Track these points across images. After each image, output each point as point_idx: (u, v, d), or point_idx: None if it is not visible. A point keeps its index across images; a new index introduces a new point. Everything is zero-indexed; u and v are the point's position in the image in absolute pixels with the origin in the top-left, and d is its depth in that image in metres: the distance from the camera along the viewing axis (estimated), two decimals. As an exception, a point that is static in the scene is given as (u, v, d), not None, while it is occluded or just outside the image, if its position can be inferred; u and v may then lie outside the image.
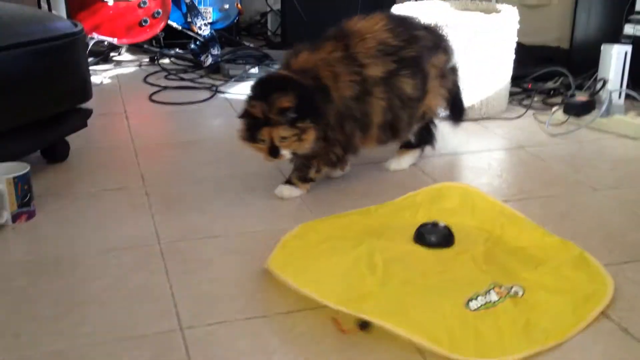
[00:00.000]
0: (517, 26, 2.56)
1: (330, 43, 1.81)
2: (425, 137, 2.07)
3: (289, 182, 1.87)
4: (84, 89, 2.08)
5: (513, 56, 2.58)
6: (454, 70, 2.08)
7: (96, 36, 3.23)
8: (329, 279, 1.39)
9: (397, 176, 2.02)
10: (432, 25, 2.05)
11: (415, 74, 1.87)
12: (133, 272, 1.49)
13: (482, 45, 2.46)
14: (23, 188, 1.70)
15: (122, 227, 1.70)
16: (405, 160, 2.07)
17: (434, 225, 1.57)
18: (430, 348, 1.19)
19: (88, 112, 2.13)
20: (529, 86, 2.80)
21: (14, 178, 1.68)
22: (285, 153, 1.72)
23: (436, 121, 2.08)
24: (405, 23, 1.95)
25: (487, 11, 2.60)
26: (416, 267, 1.46)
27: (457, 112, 2.16)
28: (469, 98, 2.51)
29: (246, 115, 1.71)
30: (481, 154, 2.23)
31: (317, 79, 1.75)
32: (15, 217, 1.70)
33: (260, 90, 1.74)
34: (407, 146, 2.06)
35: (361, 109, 1.81)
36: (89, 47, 3.26)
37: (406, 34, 1.88)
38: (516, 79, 2.72)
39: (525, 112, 2.59)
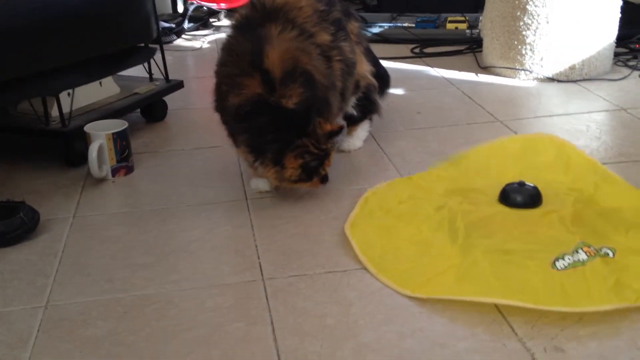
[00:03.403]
0: (624, -18, 2.42)
1: (273, 25, 1.56)
2: (369, 106, 1.92)
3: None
4: (147, 29, 2.06)
5: (619, 15, 2.45)
6: (364, 37, 1.95)
7: (196, 2, 3.31)
8: (403, 259, 1.35)
9: (483, 137, 1.97)
10: None
11: (347, 36, 1.74)
12: (221, 225, 1.55)
13: (585, 3, 2.35)
14: (122, 144, 1.79)
15: (212, 183, 1.76)
16: (358, 136, 1.94)
17: (521, 184, 1.52)
18: (513, 304, 1.17)
19: (152, 51, 2.13)
20: (637, 46, 2.65)
21: (114, 134, 1.77)
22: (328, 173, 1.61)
23: (375, 89, 1.93)
24: None
25: (592, -33, 2.47)
26: (500, 230, 1.42)
27: (382, 81, 2.01)
28: (569, 57, 2.41)
29: (306, 157, 1.52)
30: (580, 115, 2.14)
31: (301, 71, 1.52)
32: (114, 171, 1.79)
33: (294, 128, 1.51)
34: (353, 122, 1.92)
35: (331, 77, 1.64)
36: (189, 12, 3.35)
37: None
38: (622, 39, 2.58)
39: (630, 73, 2.46)
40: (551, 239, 1.37)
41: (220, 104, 1.61)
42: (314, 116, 1.51)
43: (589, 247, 1.31)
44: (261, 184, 1.69)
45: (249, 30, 1.58)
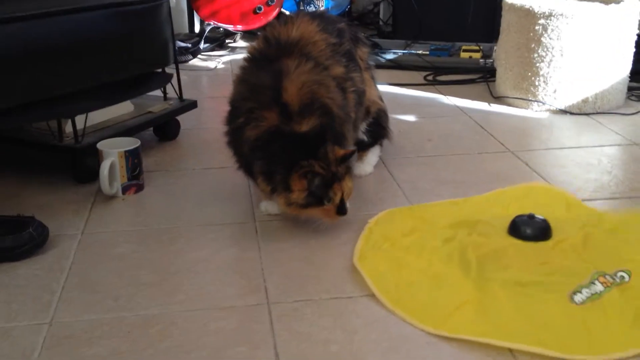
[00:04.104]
0: (639, 18, 2.42)
1: (289, 59, 1.57)
2: (379, 131, 1.94)
3: None
4: (165, 54, 2.08)
5: (633, 49, 2.45)
6: (371, 63, 1.96)
7: (213, 23, 3.35)
8: (418, 292, 1.34)
9: (493, 167, 1.97)
10: (338, 17, 1.91)
11: (357, 66, 1.77)
12: (228, 247, 1.55)
13: (599, 37, 2.35)
14: (134, 162, 1.80)
15: (221, 204, 1.76)
16: (369, 161, 1.94)
17: (530, 217, 1.52)
18: (540, 352, 1.15)
19: (168, 77, 2.15)
20: (651, 81, 2.65)
21: (126, 152, 1.78)
22: (348, 204, 1.54)
23: (385, 115, 1.96)
24: (327, 19, 1.78)
25: (606, 2, 2.48)
26: (513, 263, 1.41)
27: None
28: (583, 90, 2.41)
29: (309, 176, 1.47)
30: (592, 149, 2.13)
31: (319, 104, 1.54)
32: (125, 189, 1.80)
33: (303, 150, 1.49)
34: (364, 147, 1.92)
35: (346, 109, 1.65)
36: (205, 33, 3.39)
37: (335, 30, 1.74)
38: (637, 74, 2.57)
39: (644, 108, 2.45)
40: (566, 270, 1.37)
41: (235, 138, 1.62)
42: (326, 141, 1.50)
43: (604, 276, 1.31)
44: (270, 207, 1.69)
45: (265, 65, 1.60)
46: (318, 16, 1.77)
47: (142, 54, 2.00)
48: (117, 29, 1.90)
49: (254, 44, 1.68)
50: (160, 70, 2.11)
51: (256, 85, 1.57)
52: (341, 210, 1.52)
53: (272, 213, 1.69)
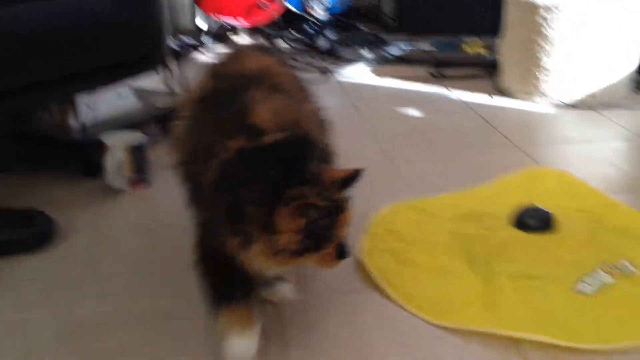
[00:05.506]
0: (646, 11, 2.42)
1: (257, 91, 1.17)
2: None
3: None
4: (157, 37, 2.05)
5: None
6: None
7: (222, 20, 3.35)
8: (426, 284, 1.35)
9: (499, 161, 1.97)
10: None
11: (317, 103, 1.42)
12: (235, 241, 1.55)
13: (606, 30, 2.35)
14: (140, 156, 1.80)
15: (228, 198, 1.76)
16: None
17: (535, 209, 1.52)
18: (548, 341, 1.16)
19: (161, 58, 2.12)
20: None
21: (133, 147, 1.78)
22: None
23: None
24: (272, 51, 1.55)
25: (613, -5, 2.47)
26: (519, 255, 1.42)
27: None
28: (589, 84, 2.41)
29: (305, 211, 1.01)
30: (598, 143, 2.13)
31: (300, 131, 1.13)
32: (132, 184, 1.81)
33: (284, 171, 1.04)
34: None
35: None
36: (209, 27, 3.39)
37: (286, 63, 1.46)
38: (643, 68, 2.57)
39: (650, 102, 2.45)
40: (572, 263, 1.37)
41: (195, 194, 1.22)
42: (310, 154, 1.07)
43: (607, 265, 1.31)
44: (241, 345, 1.12)
45: (223, 100, 1.19)
46: (263, 48, 1.56)
47: (133, 38, 1.97)
48: (109, 12, 1.89)
49: (200, 84, 1.28)
50: (152, 54, 2.11)
51: (213, 121, 1.17)
52: (343, 252, 1.09)
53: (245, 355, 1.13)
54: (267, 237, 1.01)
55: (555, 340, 1.16)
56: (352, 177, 1.06)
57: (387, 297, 1.32)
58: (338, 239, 1.07)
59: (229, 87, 1.22)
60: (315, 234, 1.03)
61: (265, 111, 1.12)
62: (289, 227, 1.01)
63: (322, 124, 1.29)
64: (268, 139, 1.07)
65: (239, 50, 1.42)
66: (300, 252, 1.03)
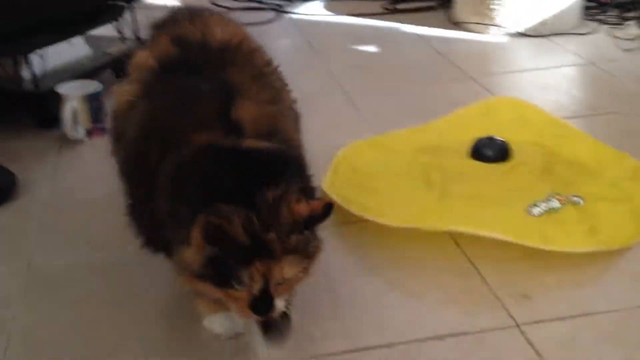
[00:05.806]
0: None
1: (234, 70, 1.05)
2: None
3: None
4: None
5: (588, -32, 2.47)
6: None
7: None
8: (386, 200, 1.41)
9: (455, 93, 2.00)
10: None
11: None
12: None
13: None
14: (96, 105, 1.78)
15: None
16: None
17: (490, 139, 1.56)
18: (496, 237, 1.24)
19: (120, 9, 2.13)
20: (606, 0, 2.68)
21: (87, 96, 1.76)
22: (280, 304, 0.91)
23: None
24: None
25: None
26: (474, 181, 1.47)
27: None
28: (540, 12, 2.43)
29: (217, 239, 0.85)
30: (550, 70, 2.17)
31: (280, 137, 1.01)
32: (90, 133, 1.79)
33: (235, 183, 0.89)
34: None
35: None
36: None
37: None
38: (592, -7, 2.61)
39: (599, 27, 2.49)
40: (523, 189, 1.42)
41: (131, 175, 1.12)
42: (279, 179, 0.89)
43: (560, 195, 1.36)
44: (219, 324, 1.09)
45: (194, 76, 1.04)
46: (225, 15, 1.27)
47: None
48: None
49: (163, 50, 1.10)
50: (112, 3, 2.07)
51: (178, 103, 1.01)
52: (258, 307, 0.89)
53: (225, 333, 1.09)
54: (181, 248, 0.90)
55: (502, 236, 1.23)
56: (318, 216, 0.89)
57: (351, 214, 1.36)
58: (253, 287, 0.87)
59: (199, 60, 1.07)
60: (218, 266, 0.87)
61: (250, 105, 0.99)
62: (195, 241, 0.87)
63: (296, 118, 1.16)
64: (249, 143, 0.94)
65: (198, 11, 1.21)
66: (200, 277, 0.89)
